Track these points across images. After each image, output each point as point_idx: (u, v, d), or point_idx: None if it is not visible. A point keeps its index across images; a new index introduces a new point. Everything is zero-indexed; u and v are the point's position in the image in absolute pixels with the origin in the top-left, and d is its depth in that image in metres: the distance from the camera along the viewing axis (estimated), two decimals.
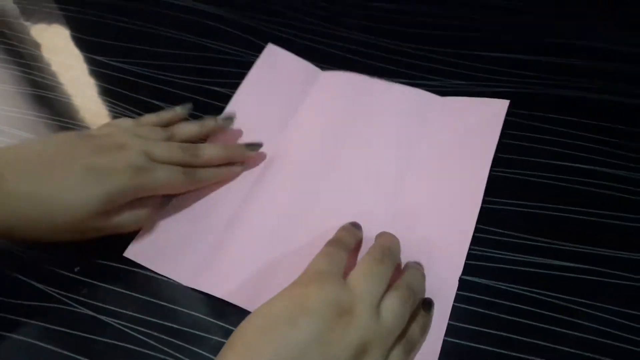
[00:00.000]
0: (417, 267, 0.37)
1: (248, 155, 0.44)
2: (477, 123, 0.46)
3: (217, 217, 0.42)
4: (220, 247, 0.40)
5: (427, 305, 0.35)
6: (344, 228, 0.38)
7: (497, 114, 0.46)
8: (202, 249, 0.40)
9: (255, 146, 0.45)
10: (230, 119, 0.47)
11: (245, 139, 0.47)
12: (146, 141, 0.39)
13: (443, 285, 0.37)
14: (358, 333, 0.28)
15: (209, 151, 0.42)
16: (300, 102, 0.49)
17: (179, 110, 0.46)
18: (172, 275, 0.39)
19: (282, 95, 0.50)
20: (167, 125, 0.44)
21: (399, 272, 0.36)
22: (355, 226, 0.38)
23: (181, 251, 0.40)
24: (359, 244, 0.38)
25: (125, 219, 0.38)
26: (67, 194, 0.35)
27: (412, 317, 0.34)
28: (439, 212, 0.41)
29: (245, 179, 0.44)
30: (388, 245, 0.35)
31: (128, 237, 0.40)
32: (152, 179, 0.38)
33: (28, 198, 0.34)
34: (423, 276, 0.36)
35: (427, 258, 0.38)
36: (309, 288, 0.30)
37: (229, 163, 0.44)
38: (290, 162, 0.44)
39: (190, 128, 0.44)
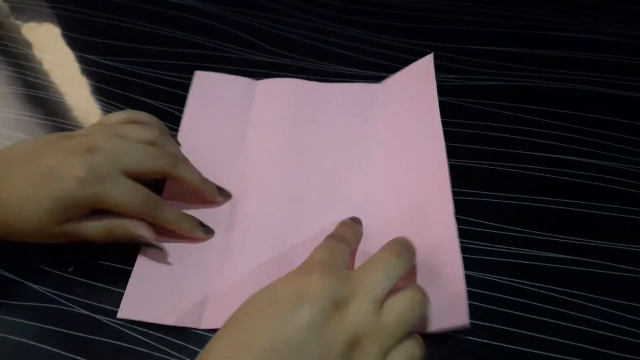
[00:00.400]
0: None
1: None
2: (414, 89, 0.46)
3: (205, 248, 0.40)
4: (218, 278, 0.38)
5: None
6: (344, 223, 0.37)
7: (426, 71, 0.45)
8: (199, 286, 0.38)
9: (224, 195, 0.42)
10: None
11: (201, 171, 0.42)
12: (123, 144, 0.37)
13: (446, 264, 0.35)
14: (352, 325, 0.28)
15: (188, 171, 0.40)
16: (246, 118, 0.48)
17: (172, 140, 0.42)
18: (181, 322, 0.36)
19: (225, 117, 0.48)
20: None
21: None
22: (355, 221, 0.38)
23: (178, 294, 0.37)
24: (359, 240, 0.37)
25: (89, 228, 0.36)
26: (18, 199, 0.34)
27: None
28: (413, 189, 0.40)
29: (218, 210, 0.42)
30: (408, 243, 0.34)
31: None
32: (107, 194, 0.35)
33: None
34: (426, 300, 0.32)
35: (424, 246, 0.36)
36: (311, 276, 0.30)
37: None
38: (259, 183, 0.43)
39: (177, 151, 0.41)
